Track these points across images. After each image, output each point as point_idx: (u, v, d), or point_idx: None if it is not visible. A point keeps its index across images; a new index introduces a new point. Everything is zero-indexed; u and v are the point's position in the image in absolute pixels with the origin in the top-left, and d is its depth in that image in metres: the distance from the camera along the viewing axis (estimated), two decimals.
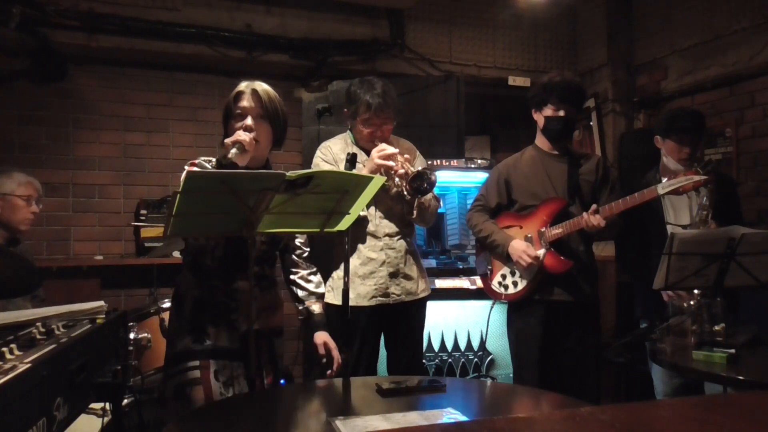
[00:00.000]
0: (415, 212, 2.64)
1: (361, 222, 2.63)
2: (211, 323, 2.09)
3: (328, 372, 2.25)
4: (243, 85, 2.13)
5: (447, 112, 4.26)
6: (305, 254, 2.35)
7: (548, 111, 2.71)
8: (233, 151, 1.98)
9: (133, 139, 4.16)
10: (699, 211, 2.56)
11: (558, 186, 2.73)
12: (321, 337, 2.26)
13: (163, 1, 3.87)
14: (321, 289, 2.34)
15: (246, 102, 2.11)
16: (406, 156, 2.56)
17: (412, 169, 2.50)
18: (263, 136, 2.12)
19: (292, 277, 2.33)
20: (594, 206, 2.54)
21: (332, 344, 2.25)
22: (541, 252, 2.66)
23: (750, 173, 3.87)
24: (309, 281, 2.32)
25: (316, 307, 2.29)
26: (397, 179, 2.54)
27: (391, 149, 2.54)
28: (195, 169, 2.06)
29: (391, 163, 2.51)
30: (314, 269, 2.36)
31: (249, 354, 1.87)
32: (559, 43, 4.96)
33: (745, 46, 3.87)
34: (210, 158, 2.14)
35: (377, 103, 2.58)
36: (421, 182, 2.49)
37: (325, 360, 2.25)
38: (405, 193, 2.56)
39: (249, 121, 2.07)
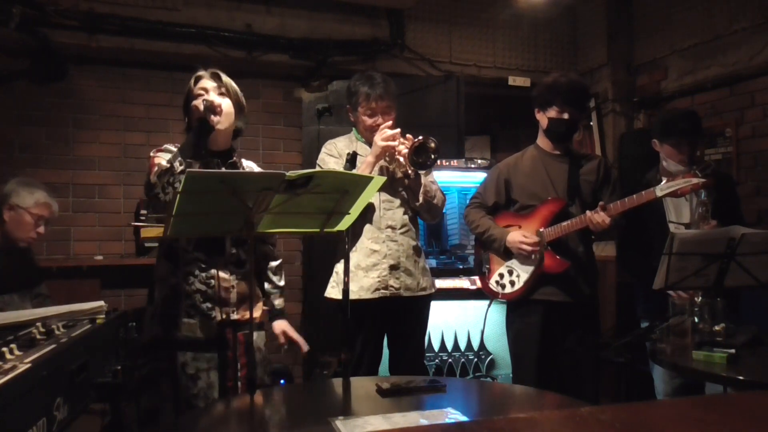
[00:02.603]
0: (420, 197, 2.63)
1: (368, 209, 2.63)
2: (185, 313, 2.08)
3: (303, 352, 2.32)
4: (201, 72, 2.22)
5: (447, 112, 4.26)
6: (275, 243, 2.42)
7: (552, 112, 2.70)
8: (201, 106, 2.02)
9: (133, 139, 4.15)
10: (697, 208, 2.56)
11: (558, 186, 2.73)
12: (280, 326, 2.32)
13: (163, 1, 3.87)
14: (282, 282, 2.40)
15: (206, 83, 2.18)
16: (408, 135, 2.57)
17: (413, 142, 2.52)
18: (226, 111, 2.16)
19: (263, 267, 2.36)
20: (601, 203, 2.53)
21: (291, 331, 2.31)
22: (540, 236, 2.66)
23: (750, 173, 3.87)
24: (276, 274, 2.38)
25: (278, 302, 2.36)
26: (401, 159, 2.55)
27: (392, 130, 2.56)
28: (160, 155, 2.08)
29: (394, 143, 2.53)
30: (280, 261, 2.41)
31: (224, 346, 1.89)
32: (559, 43, 4.96)
33: (745, 46, 3.87)
34: (176, 144, 2.14)
35: (377, 93, 2.62)
36: (426, 155, 2.52)
37: (286, 347, 2.32)
38: (410, 171, 2.57)
39: (211, 95, 2.13)
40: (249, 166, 2.34)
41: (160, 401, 2.04)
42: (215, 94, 2.14)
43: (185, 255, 2.11)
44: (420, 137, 2.53)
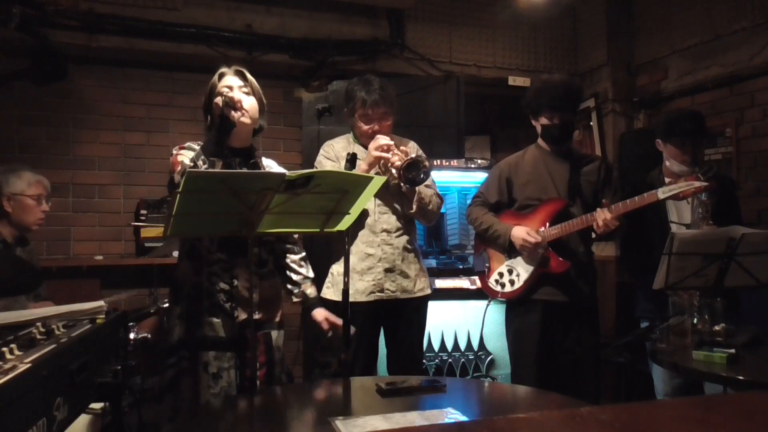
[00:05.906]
0: (414, 206, 2.64)
1: (362, 215, 2.64)
2: (208, 312, 2.10)
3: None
4: (224, 69, 2.22)
5: (447, 112, 4.26)
6: (296, 238, 2.40)
7: (543, 120, 2.72)
8: (222, 102, 2.03)
9: (133, 139, 4.16)
10: (697, 209, 2.56)
11: (559, 186, 2.73)
12: (321, 313, 2.30)
13: (163, 1, 3.87)
14: (311, 274, 2.38)
15: (231, 80, 2.19)
16: (402, 148, 2.58)
17: (405, 157, 2.52)
18: (250, 109, 2.16)
19: (285, 261, 2.35)
20: (605, 201, 2.53)
21: (332, 317, 2.28)
22: (542, 236, 2.65)
23: (750, 173, 3.87)
24: (302, 266, 2.36)
25: (311, 290, 2.35)
26: (393, 171, 2.55)
27: (387, 140, 2.56)
28: (184, 152, 2.08)
29: (387, 154, 2.53)
30: (304, 254, 2.40)
31: (244, 346, 1.88)
32: (559, 43, 4.95)
33: (745, 46, 3.87)
34: (199, 142, 2.14)
35: (373, 99, 2.62)
36: (417, 172, 2.51)
37: (331, 333, 2.27)
38: (401, 184, 2.57)
39: (235, 93, 2.14)
40: (269, 165, 2.34)
41: (178, 401, 2.04)
42: (240, 92, 2.16)
43: (208, 255, 2.12)
44: (413, 155, 2.54)
